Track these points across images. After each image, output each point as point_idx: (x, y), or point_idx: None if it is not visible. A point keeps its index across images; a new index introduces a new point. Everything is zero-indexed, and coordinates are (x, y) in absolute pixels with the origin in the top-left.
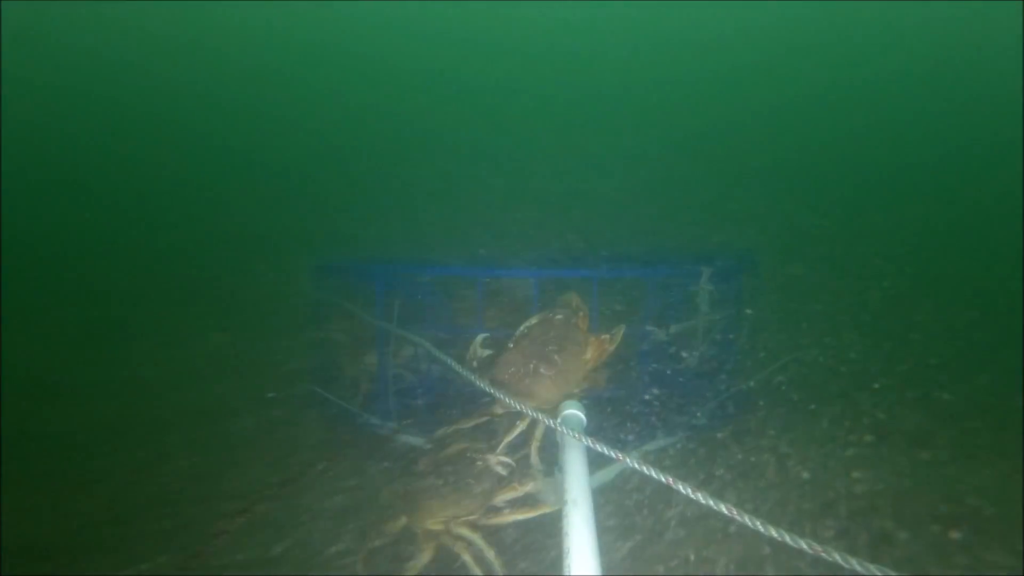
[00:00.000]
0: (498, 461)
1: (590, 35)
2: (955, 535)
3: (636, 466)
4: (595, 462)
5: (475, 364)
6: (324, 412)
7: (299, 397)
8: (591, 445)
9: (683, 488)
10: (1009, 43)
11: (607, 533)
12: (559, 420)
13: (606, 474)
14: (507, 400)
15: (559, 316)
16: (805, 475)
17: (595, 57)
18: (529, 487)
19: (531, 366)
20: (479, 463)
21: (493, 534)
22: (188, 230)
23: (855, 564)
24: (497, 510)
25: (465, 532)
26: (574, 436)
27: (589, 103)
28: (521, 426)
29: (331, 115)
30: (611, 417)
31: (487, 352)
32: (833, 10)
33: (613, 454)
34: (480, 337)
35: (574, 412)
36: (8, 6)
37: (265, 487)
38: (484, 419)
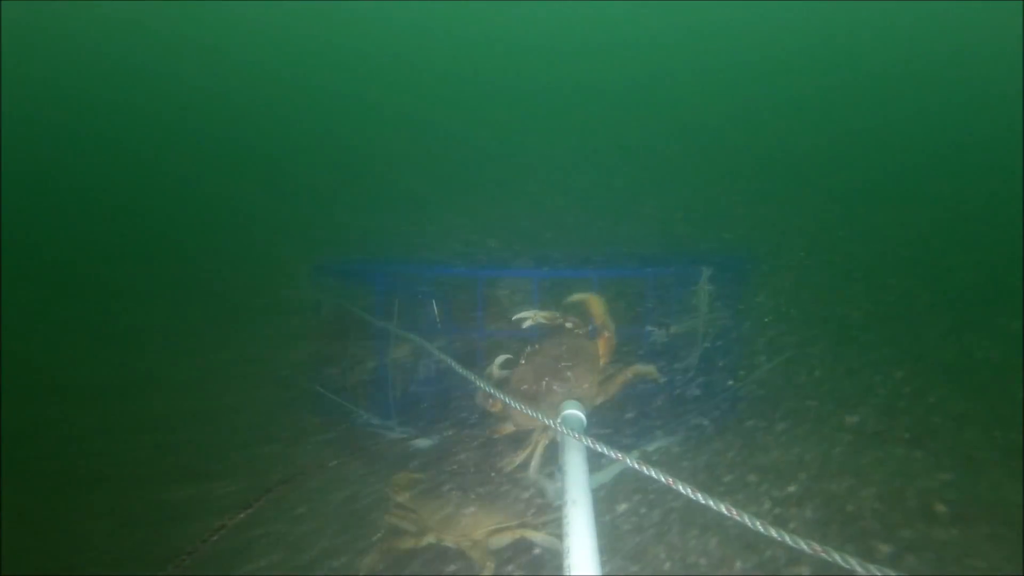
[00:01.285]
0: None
1: (591, 34)
2: (949, 535)
3: (636, 466)
4: (595, 462)
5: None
6: (327, 412)
7: (301, 397)
8: (591, 445)
9: (683, 488)
10: (1009, 43)
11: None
12: (559, 420)
13: (606, 474)
14: (509, 402)
15: (569, 324)
16: (805, 473)
17: (595, 56)
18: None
19: (544, 383)
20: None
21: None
22: (189, 228)
23: (855, 564)
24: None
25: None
26: (574, 436)
27: (587, 101)
28: (541, 443)
29: (331, 114)
30: (611, 416)
31: (505, 373)
32: (832, 10)
33: (613, 454)
34: (500, 359)
35: (574, 412)
36: (8, 6)
37: (267, 490)
38: (494, 436)
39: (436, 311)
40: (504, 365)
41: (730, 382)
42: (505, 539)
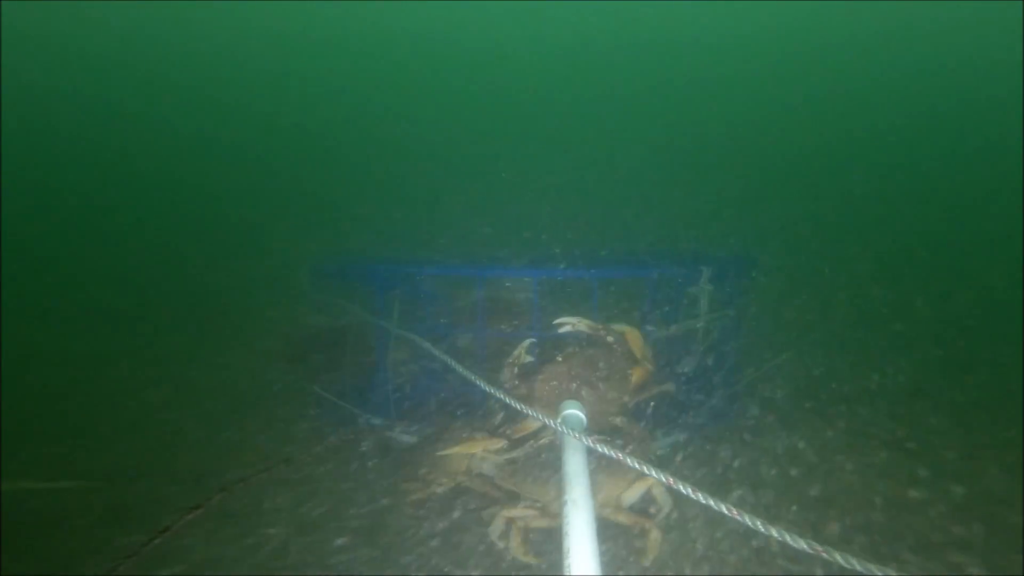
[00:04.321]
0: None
1: (593, 36)
2: (953, 554)
3: (635, 466)
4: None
5: (516, 369)
6: (326, 411)
7: (301, 397)
8: (591, 445)
9: (683, 488)
10: (1010, 44)
11: None
12: (559, 420)
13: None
14: (507, 400)
15: (611, 339)
16: (800, 472)
17: (595, 59)
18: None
19: (573, 386)
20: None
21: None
22: (188, 231)
23: (855, 564)
24: None
25: None
26: (574, 436)
27: (586, 104)
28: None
29: (328, 116)
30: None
31: (529, 359)
32: (830, 11)
33: (613, 454)
34: (527, 343)
35: (574, 412)
36: (8, 6)
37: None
38: (518, 436)
39: (435, 310)
40: (530, 350)
41: (730, 381)
42: (635, 494)
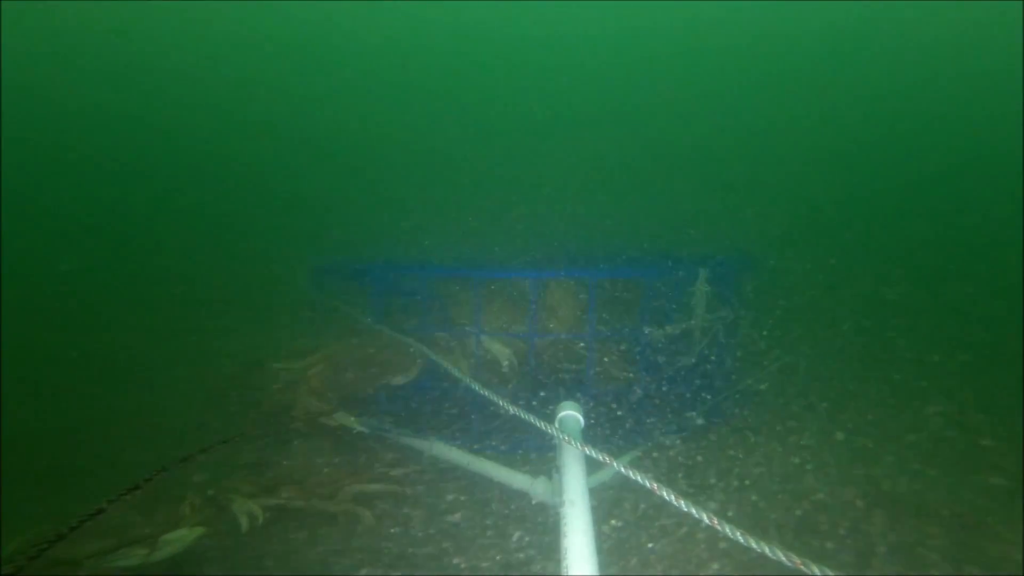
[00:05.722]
0: None
1: (594, 37)
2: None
3: (623, 470)
4: (593, 463)
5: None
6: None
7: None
8: (582, 448)
9: (667, 495)
10: (1010, 44)
11: None
12: (556, 423)
13: (604, 475)
14: (501, 402)
15: None
16: (795, 477)
17: (595, 59)
18: None
19: None
20: None
21: None
22: (186, 232)
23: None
24: None
25: None
26: (567, 440)
27: (586, 105)
28: None
29: (325, 119)
30: (610, 417)
31: None
32: (832, 12)
33: (601, 458)
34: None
35: (571, 413)
36: (8, 6)
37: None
38: None
39: (433, 311)
40: None
41: (726, 383)
42: None
